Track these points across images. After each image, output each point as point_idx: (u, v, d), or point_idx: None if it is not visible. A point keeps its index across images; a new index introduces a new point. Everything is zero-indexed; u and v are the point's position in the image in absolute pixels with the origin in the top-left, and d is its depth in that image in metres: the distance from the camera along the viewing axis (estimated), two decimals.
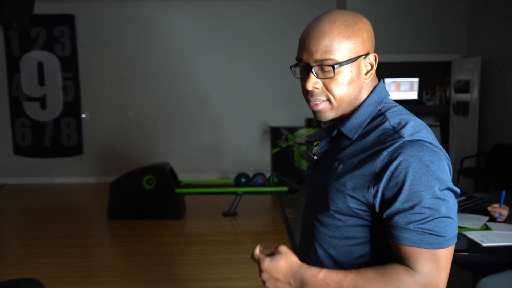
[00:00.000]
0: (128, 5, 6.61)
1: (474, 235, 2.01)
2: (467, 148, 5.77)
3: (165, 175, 4.87)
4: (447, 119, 6.70)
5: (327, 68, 0.96)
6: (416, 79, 7.27)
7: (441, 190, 0.90)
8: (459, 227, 2.13)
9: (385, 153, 0.92)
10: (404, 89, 7.31)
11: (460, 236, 1.96)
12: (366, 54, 0.99)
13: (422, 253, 0.90)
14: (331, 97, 0.99)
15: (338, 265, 1.03)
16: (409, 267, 0.91)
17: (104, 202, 5.23)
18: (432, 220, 0.89)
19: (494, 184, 4.96)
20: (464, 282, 2.91)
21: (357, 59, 0.97)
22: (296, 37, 1.13)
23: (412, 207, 0.89)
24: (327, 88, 0.98)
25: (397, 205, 0.90)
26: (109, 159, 6.86)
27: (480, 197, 2.48)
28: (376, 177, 0.93)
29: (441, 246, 0.90)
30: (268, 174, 5.70)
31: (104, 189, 5.52)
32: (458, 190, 0.96)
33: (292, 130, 6.56)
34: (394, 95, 7.28)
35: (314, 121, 6.45)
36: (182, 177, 5.79)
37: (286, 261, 0.98)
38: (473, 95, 5.64)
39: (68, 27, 6.62)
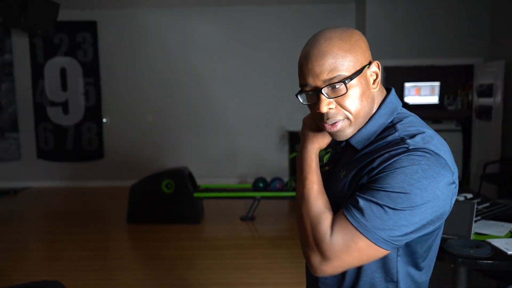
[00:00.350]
0: (149, 11, 6.71)
1: (499, 243, 1.96)
2: (490, 153, 5.64)
3: (183, 180, 4.90)
4: (469, 123, 6.56)
5: (339, 85, 0.94)
6: (437, 83, 7.16)
7: (406, 197, 0.86)
8: (482, 234, 2.08)
9: (387, 155, 0.92)
10: (425, 93, 7.21)
11: (484, 243, 1.92)
12: (369, 64, 0.99)
13: (343, 223, 0.91)
14: (348, 113, 0.97)
15: (349, 271, 1.02)
16: (332, 227, 0.92)
17: (123, 206, 5.30)
18: (372, 202, 0.88)
19: None
20: None
21: (363, 70, 0.96)
22: None
23: (373, 187, 0.90)
24: (341, 106, 0.97)
25: (367, 180, 0.93)
26: (128, 163, 6.95)
27: (504, 204, 2.42)
28: (370, 172, 0.93)
29: (360, 228, 0.88)
30: (286, 179, 5.69)
31: (124, 193, 5.59)
32: (432, 224, 0.90)
33: None
34: (415, 99, 7.19)
35: None
36: (201, 181, 5.83)
37: (314, 137, 1.06)
38: (496, 99, 5.52)
39: (90, 33, 6.76)
